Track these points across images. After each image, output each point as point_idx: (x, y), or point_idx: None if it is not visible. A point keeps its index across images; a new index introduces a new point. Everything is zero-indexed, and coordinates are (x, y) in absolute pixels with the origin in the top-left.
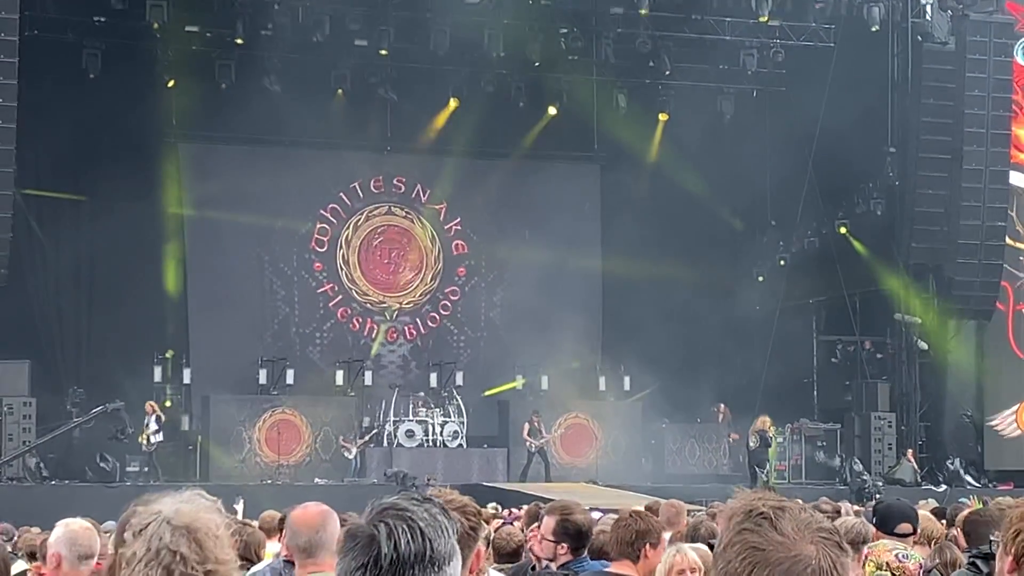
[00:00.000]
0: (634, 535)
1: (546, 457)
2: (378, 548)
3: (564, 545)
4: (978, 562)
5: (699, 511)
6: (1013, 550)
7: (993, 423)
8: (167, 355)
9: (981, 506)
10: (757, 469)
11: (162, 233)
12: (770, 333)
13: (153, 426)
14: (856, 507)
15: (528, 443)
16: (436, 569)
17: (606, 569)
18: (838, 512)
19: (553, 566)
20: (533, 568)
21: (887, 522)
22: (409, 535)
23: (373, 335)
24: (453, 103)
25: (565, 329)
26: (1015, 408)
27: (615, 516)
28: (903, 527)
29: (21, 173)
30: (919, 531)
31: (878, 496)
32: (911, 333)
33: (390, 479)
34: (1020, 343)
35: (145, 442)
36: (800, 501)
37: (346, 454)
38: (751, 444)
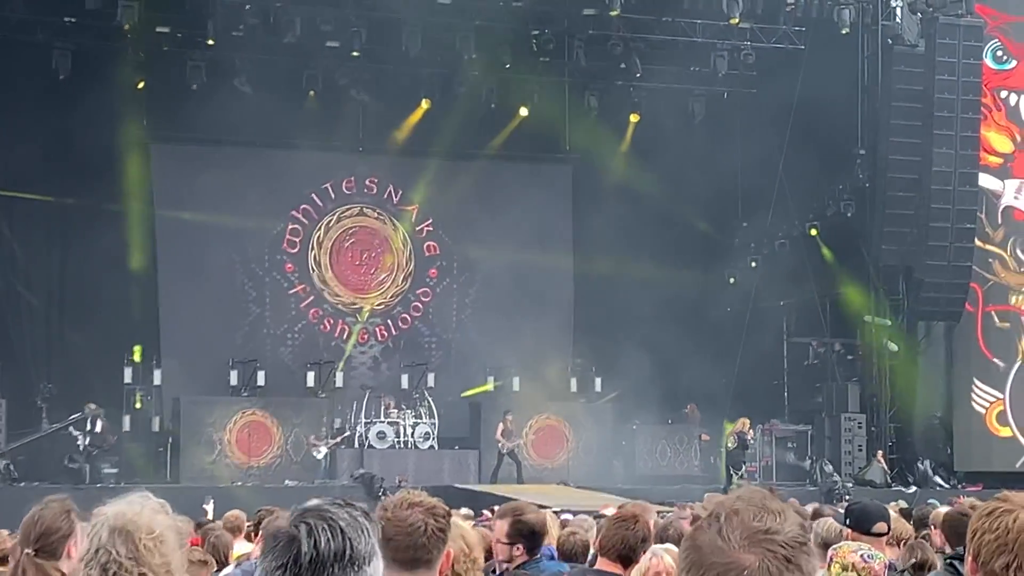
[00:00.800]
0: (639, 541)
1: (518, 458)
2: (298, 547)
3: (519, 546)
4: (956, 563)
5: (669, 512)
6: (972, 550)
7: (964, 434)
8: (135, 356)
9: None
10: (732, 470)
11: (133, 234)
12: (741, 335)
13: (88, 427)
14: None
15: (500, 444)
16: (356, 568)
17: (595, 568)
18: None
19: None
20: (494, 571)
21: (864, 522)
22: (329, 534)
23: (344, 336)
24: (425, 104)
25: (536, 330)
26: (983, 414)
27: (586, 517)
28: (880, 526)
29: None
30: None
31: (848, 498)
32: (881, 335)
33: (357, 480)
34: (989, 345)
35: (82, 443)
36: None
37: (315, 454)
38: (729, 445)
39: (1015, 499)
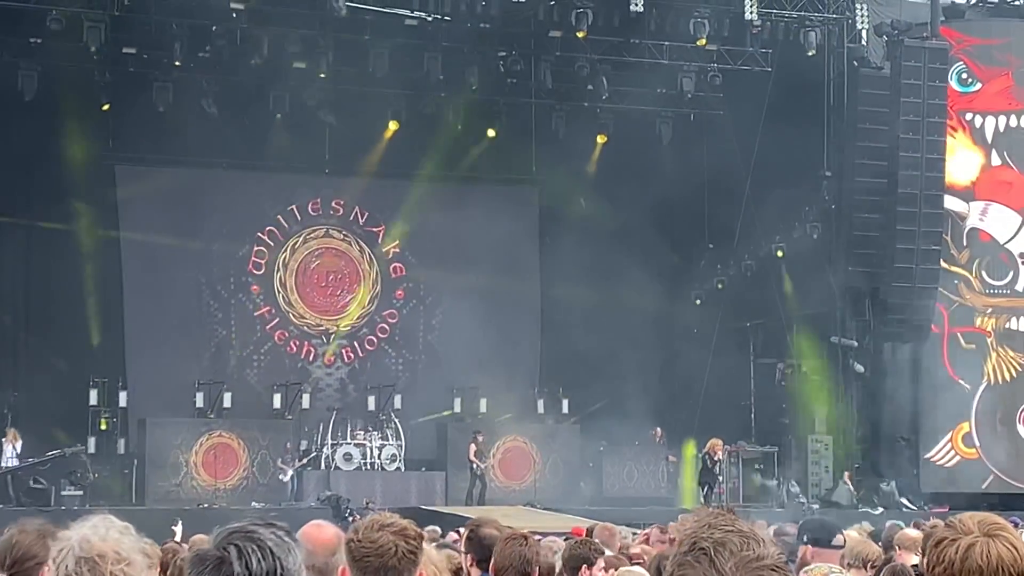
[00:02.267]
0: (534, 555)
1: (484, 480)
2: (230, 569)
3: (470, 556)
4: None
5: (636, 534)
6: None
7: (930, 456)
8: (101, 379)
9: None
10: (699, 490)
11: (98, 255)
12: (708, 356)
13: (9, 452)
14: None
15: (474, 464)
16: None
17: None
18: None
19: None
20: None
21: (825, 537)
22: (260, 554)
23: (311, 358)
24: (392, 126)
25: (503, 352)
26: (949, 435)
27: (556, 539)
28: (839, 539)
29: None
30: (855, 554)
31: None
32: (848, 356)
33: (324, 502)
34: (955, 366)
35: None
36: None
37: (281, 476)
38: (699, 466)
39: (961, 526)
